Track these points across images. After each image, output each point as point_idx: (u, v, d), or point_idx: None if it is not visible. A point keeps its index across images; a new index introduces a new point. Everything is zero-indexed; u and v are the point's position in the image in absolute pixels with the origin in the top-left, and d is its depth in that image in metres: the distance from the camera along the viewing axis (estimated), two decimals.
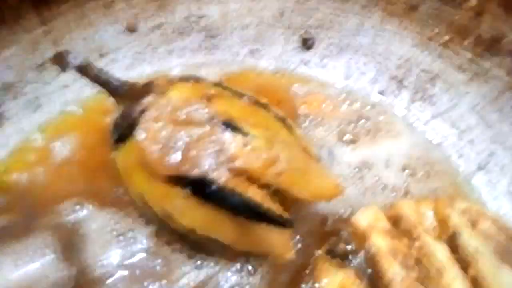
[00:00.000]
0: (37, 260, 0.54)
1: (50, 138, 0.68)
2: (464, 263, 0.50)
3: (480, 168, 0.64)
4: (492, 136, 0.65)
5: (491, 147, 0.65)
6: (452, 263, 0.50)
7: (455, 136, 0.68)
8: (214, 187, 0.49)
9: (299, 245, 0.55)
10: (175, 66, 0.80)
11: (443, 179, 0.63)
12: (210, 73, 0.79)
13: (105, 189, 0.60)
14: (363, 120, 0.70)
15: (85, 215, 0.57)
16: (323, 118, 0.71)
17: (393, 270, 0.49)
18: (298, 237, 0.56)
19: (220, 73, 0.79)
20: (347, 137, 0.68)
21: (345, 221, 0.57)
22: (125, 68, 0.78)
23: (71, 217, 0.57)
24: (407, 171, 0.65)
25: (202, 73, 0.78)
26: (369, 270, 0.52)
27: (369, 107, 0.73)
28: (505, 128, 0.64)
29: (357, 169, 0.65)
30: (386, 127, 0.69)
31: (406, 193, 0.61)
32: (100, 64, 0.75)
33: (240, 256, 0.55)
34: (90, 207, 0.58)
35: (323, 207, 0.58)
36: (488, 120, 0.66)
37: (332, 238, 0.56)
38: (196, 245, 0.55)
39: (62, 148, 0.66)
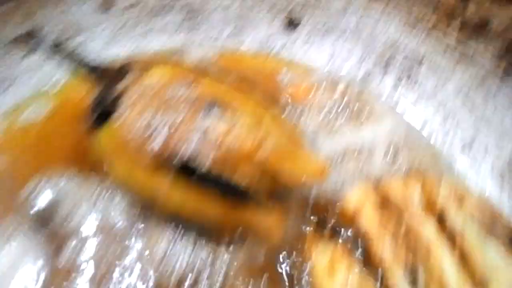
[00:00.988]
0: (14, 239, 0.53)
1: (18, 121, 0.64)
2: (451, 240, 0.50)
3: (464, 150, 0.65)
4: (476, 119, 0.65)
5: (475, 130, 0.65)
6: (440, 240, 0.50)
7: (439, 119, 0.68)
8: (199, 171, 0.48)
9: (288, 224, 0.55)
10: (154, 47, 0.77)
11: (428, 161, 0.63)
12: (191, 55, 0.77)
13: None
14: (347, 104, 0.69)
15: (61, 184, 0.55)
16: (306, 104, 0.71)
17: (383, 247, 0.49)
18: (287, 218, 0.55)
19: (201, 55, 0.77)
20: (331, 121, 0.67)
21: (334, 202, 0.56)
22: (101, 48, 0.74)
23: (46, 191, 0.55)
24: (392, 153, 0.65)
25: (182, 54, 0.76)
26: (359, 248, 0.53)
27: (354, 90, 0.72)
28: (489, 112, 0.64)
29: (342, 153, 0.64)
30: (371, 110, 0.68)
31: (392, 176, 0.61)
32: (74, 43, 0.72)
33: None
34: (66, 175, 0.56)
35: (310, 189, 0.58)
36: (472, 104, 0.66)
37: (321, 216, 0.56)
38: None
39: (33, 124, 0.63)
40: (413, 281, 0.48)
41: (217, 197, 0.48)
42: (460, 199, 0.56)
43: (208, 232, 0.52)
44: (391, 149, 0.64)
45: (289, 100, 0.69)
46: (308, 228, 0.55)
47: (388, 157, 0.64)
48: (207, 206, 0.49)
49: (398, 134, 0.67)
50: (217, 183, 0.47)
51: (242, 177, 0.48)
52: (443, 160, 0.65)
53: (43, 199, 0.55)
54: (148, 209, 0.52)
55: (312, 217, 0.57)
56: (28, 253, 0.52)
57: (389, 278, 0.48)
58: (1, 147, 0.60)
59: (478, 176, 0.63)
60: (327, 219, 0.56)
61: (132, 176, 0.50)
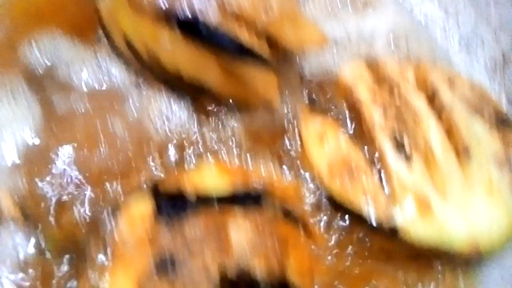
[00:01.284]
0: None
1: None
2: (439, 114, 0.52)
3: (462, 46, 0.66)
4: (478, 18, 0.66)
5: (476, 28, 0.65)
6: (429, 112, 0.52)
7: (441, 17, 0.68)
8: (204, 26, 0.49)
9: (285, 97, 0.57)
10: None
11: (426, 52, 0.64)
12: None
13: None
14: None
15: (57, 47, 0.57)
16: None
17: (374, 117, 0.51)
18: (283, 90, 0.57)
19: None
20: (335, 7, 0.67)
21: (329, 77, 0.58)
22: None
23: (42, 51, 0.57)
24: (392, 45, 0.66)
25: None
26: (350, 120, 0.55)
27: None
28: (492, 10, 0.64)
29: (343, 36, 0.65)
30: (374, 2, 0.69)
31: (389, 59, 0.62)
32: None
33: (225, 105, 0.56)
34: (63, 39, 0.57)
35: (310, 63, 0.60)
36: (477, 3, 0.67)
37: (316, 89, 0.58)
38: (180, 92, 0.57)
39: None
40: (399, 149, 0.51)
41: (217, 54, 0.50)
42: (452, 82, 0.58)
43: (208, 94, 0.54)
44: (391, 37, 0.66)
45: None
46: (303, 101, 0.59)
47: (387, 47, 0.66)
48: (208, 64, 0.51)
49: (400, 28, 0.67)
50: (220, 40, 0.48)
51: (245, 37, 0.49)
52: (441, 54, 0.67)
53: (41, 58, 0.57)
54: (148, 68, 0.54)
55: (307, 91, 0.60)
56: (24, 111, 0.55)
57: (376, 146, 0.51)
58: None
59: (473, 68, 0.64)
60: (321, 91, 0.60)
61: (135, 32, 0.52)
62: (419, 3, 0.69)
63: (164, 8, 0.49)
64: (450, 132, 0.51)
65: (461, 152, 0.50)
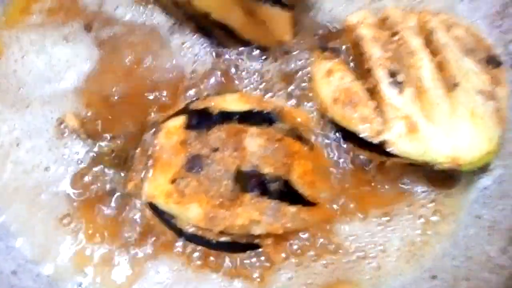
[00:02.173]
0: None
1: None
2: (434, 52, 0.59)
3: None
4: None
5: None
6: (424, 50, 0.59)
7: None
8: None
9: (299, 39, 0.65)
10: None
11: (432, 5, 0.70)
12: None
13: None
14: None
15: None
16: None
17: (373, 52, 0.58)
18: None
19: None
20: None
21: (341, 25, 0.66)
22: None
23: None
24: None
25: None
26: (355, 59, 0.62)
27: None
28: None
29: None
30: None
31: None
32: None
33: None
34: None
35: (323, 11, 0.67)
36: None
37: (327, 34, 0.66)
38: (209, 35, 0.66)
39: None
40: (394, 80, 0.58)
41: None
42: (449, 26, 0.64)
43: (232, 34, 0.63)
44: None
45: None
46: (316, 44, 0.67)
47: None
48: (232, 6, 0.59)
49: None
50: None
51: None
52: (446, 3, 0.72)
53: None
54: (183, 12, 0.63)
55: (319, 36, 0.68)
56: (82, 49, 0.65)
57: (374, 78, 0.58)
58: None
59: (473, 19, 0.69)
60: (330, 37, 0.67)
61: None
62: None
63: None
64: (441, 67, 0.58)
65: (450, 83, 0.57)
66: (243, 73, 0.65)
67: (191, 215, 0.52)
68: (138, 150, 0.58)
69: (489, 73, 0.60)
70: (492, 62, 0.61)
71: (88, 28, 0.66)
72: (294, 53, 0.66)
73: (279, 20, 0.60)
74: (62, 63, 0.64)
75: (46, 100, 0.62)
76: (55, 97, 0.62)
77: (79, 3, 0.66)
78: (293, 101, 0.63)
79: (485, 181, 0.59)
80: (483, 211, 0.57)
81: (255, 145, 0.53)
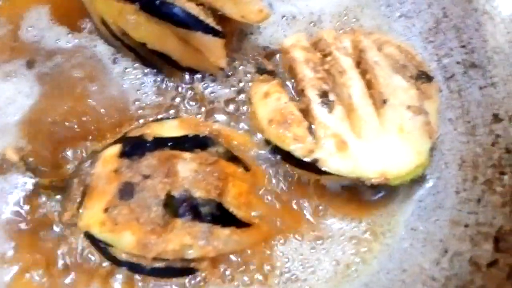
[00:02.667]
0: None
1: None
2: (365, 71, 0.61)
3: (401, 15, 0.73)
4: None
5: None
6: (353, 69, 0.61)
7: None
8: (157, 1, 0.59)
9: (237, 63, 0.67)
10: None
11: (370, 25, 0.72)
12: None
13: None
14: None
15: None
16: None
17: (305, 72, 0.60)
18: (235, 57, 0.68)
19: None
20: None
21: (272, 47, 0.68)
22: None
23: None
24: (338, 20, 0.74)
25: None
26: (290, 80, 0.64)
27: None
28: None
29: (291, 16, 0.73)
30: None
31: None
32: None
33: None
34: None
35: (260, 35, 0.69)
36: None
37: (264, 57, 0.68)
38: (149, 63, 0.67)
39: None
40: (325, 100, 0.59)
41: (173, 27, 0.60)
42: (381, 44, 0.66)
43: (171, 61, 0.64)
44: (335, 16, 0.73)
45: None
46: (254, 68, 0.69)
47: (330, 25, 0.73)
48: (166, 36, 0.61)
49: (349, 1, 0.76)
50: (173, 12, 0.58)
51: (193, 8, 0.59)
52: (383, 23, 0.74)
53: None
54: (122, 43, 0.65)
55: (257, 59, 0.69)
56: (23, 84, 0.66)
57: (306, 98, 0.60)
58: None
59: (408, 36, 0.71)
60: (268, 60, 0.69)
61: (107, 12, 0.62)
62: None
63: None
64: (371, 85, 0.60)
65: (378, 100, 0.58)
66: (185, 99, 0.67)
67: (124, 242, 0.52)
68: (75, 180, 0.59)
69: (419, 88, 0.62)
70: (422, 77, 0.63)
71: (30, 64, 0.67)
72: (234, 77, 0.68)
73: (212, 47, 0.61)
74: (2, 99, 0.64)
75: None
76: None
77: (20, 39, 0.68)
78: (233, 124, 0.65)
79: (421, 193, 0.60)
80: (418, 223, 0.58)
81: (187, 170, 0.54)
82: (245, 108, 0.66)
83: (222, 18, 0.63)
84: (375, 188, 0.58)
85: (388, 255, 0.56)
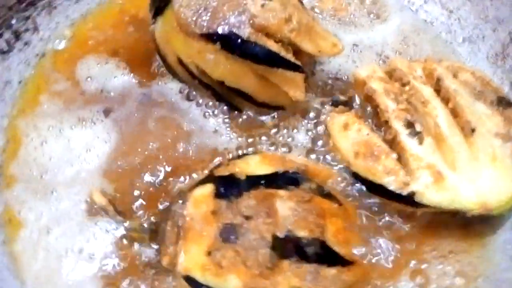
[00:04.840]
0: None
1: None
2: (445, 99, 0.61)
3: (464, 40, 0.75)
4: (476, 13, 0.74)
5: (475, 22, 0.74)
6: (436, 98, 0.61)
7: (444, 16, 0.77)
8: (239, 40, 0.60)
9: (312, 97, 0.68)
10: None
11: (433, 51, 0.74)
12: None
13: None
14: (358, 4, 0.78)
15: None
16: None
17: (387, 103, 0.60)
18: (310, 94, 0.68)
19: None
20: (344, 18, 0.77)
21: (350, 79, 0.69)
22: None
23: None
24: (400, 48, 0.75)
25: None
26: (368, 109, 0.64)
27: None
28: (488, 3, 0.73)
29: (355, 47, 0.75)
30: (381, 9, 0.78)
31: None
32: None
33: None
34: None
35: (330, 70, 0.70)
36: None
37: (336, 92, 0.68)
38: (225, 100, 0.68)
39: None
40: (411, 130, 0.59)
41: (252, 65, 0.60)
42: (456, 71, 0.66)
43: (248, 97, 0.65)
44: (400, 44, 0.75)
45: None
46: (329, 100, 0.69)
47: (396, 51, 0.74)
48: (245, 73, 0.62)
49: (407, 32, 0.77)
50: (253, 50, 0.59)
51: (272, 46, 0.60)
52: (446, 49, 0.75)
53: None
54: (198, 81, 0.65)
55: (331, 91, 0.70)
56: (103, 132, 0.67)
57: (391, 129, 0.60)
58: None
59: (475, 61, 0.73)
60: (341, 93, 0.69)
61: (185, 51, 0.63)
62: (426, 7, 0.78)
63: (207, 29, 0.61)
64: (455, 113, 0.60)
65: (466, 129, 0.58)
66: (262, 134, 0.68)
67: (231, 286, 0.52)
68: (168, 222, 0.58)
69: (501, 114, 0.62)
70: (502, 103, 0.63)
71: (107, 112, 0.68)
72: (309, 109, 0.69)
73: (292, 82, 0.62)
74: (81, 145, 0.65)
75: (70, 183, 0.62)
76: (79, 179, 0.63)
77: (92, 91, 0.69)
78: (313, 157, 0.65)
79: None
80: None
81: (286, 208, 0.53)
82: (322, 141, 0.66)
83: (295, 53, 0.64)
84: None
85: (494, 286, 0.55)
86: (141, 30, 0.74)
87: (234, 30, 0.59)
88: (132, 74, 0.71)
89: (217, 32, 0.60)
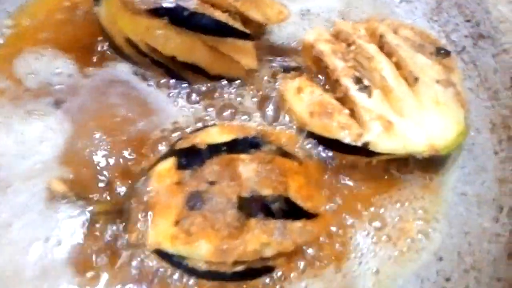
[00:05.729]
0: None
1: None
2: (388, 54, 0.64)
3: (402, 1, 0.79)
4: None
5: None
6: (380, 54, 0.64)
7: None
8: (186, 12, 0.60)
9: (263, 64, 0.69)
10: None
11: (374, 13, 0.77)
12: None
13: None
14: None
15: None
16: None
17: (335, 62, 0.63)
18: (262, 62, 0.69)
19: None
20: None
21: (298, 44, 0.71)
22: None
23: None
24: (345, 12, 0.78)
25: None
26: (319, 73, 0.66)
27: None
28: None
29: (303, 16, 0.77)
30: None
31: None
32: None
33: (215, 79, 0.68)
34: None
35: (276, 37, 0.72)
36: None
37: (287, 59, 0.70)
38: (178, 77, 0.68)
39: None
40: (360, 85, 0.62)
41: (202, 36, 0.61)
42: (396, 28, 0.70)
43: (201, 71, 0.65)
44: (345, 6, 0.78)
45: None
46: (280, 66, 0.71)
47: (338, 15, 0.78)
48: (195, 46, 0.62)
49: None
50: (202, 22, 0.60)
51: (220, 16, 0.61)
52: (385, 10, 0.79)
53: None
54: (149, 59, 0.65)
55: (278, 58, 0.71)
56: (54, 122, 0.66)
57: (342, 87, 0.63)
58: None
59: (413, 19, 0.77)
60: (290, 57, 0.71)
61: (134, 30, 0.62)
62: None
63: (154, 4, 0.60)
64: (399, 66, 0.63)
65: (410, 79, 0.62)
66: (218, 107, 0.68)
67: (201, 252, 0.52)
68: (133, 200, 0.58)
69: (440, 63, 0.66)
70: (441, 53, 0.67)
71: (57, 104, 0.66)
72: (261, 77, 0.70)
73: (243, 50, 0.63)
74: (34, 138, 0.63)
75: (26, 176, 0.60)
76: (35, 171, 0.61)
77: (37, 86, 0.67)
78: (269, 123, 0.67)
79: (461, 160, 0.64)
80: (466, 188, 0.61)
81: (249, 170, 0.55)
82: (276, 106, 0.67)
83: (244, 23, 0.65)
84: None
85: (448, 222, 0.59)
86: (77, 16, 0.73)
87: (180, 2, 0.60)
88: (76, 63, 0.69)
89: (163, 6, 0.60)
